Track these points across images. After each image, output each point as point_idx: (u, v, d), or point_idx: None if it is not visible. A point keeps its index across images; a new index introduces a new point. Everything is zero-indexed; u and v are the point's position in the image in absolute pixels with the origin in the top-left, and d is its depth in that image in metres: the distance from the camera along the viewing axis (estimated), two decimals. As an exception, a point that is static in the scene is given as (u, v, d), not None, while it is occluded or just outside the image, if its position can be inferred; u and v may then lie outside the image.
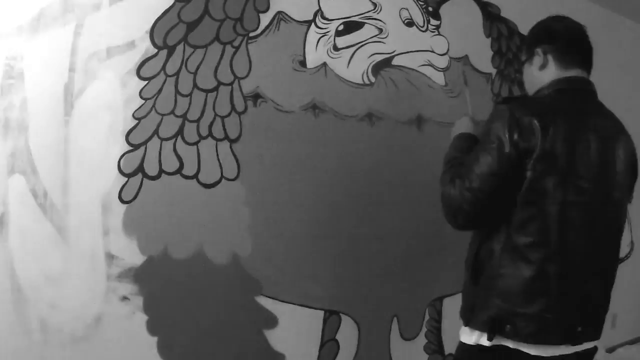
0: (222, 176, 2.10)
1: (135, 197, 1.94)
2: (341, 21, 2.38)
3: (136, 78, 1.93)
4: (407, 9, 2.57)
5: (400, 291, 2.56)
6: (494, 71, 2.92)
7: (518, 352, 1.49)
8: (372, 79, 2.48)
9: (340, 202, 2.39)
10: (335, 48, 2.36)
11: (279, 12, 2.21)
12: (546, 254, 1.45)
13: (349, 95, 2.41)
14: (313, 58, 2.30)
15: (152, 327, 2.00)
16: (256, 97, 2.17)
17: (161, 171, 1.99)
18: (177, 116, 2.01)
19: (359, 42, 2.43)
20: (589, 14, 3.43)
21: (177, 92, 2.00)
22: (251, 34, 2.14)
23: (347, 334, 2.45)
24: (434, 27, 2.67)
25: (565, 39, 1.60)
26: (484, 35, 2.88)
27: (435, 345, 2.74)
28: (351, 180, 2.43)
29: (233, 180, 2.12)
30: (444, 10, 2.70)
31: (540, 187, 1.43)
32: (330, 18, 2.35)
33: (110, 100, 1.90)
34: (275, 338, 2.24)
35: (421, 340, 2.70)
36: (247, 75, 2.14)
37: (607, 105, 3.40)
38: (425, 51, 2.64)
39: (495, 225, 1.52)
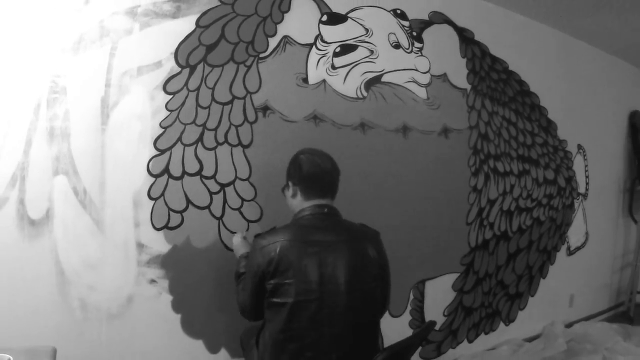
0: (236, 176, 2.10)
1: (162, 195, 1.94)
2: (338, 44, 2.38)
3: (163, 93, 1.93)
4: (394, 34, 2.57)
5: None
6: (468, 87, 2.92)
7: None
8: (365, 94, 2.48)
9: (337, 199, 2.39)
10: (333, 67, 2.36)
11: (285, 36, 2.21)
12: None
13: (344, 107, 2.41)
14: (314, 75, 2.30)
15: (176, 306, 2.00)
16: (265, 109, 2.17)
17: (184, 172, 1.99)
18: (197, 125, 2.01)
19: (353, 62, 2.43)
20: (550, 37, 3.44)
21: (197, 104, 2.00)
22: (261, 55, 2.14)
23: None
24: (418, 49, 2.67)
25: (305, 175, 1.70)
26: (460, 56, 2.88)
27: (418, 321, 2.74)
28: (347, 180, 2.42)
29: (245, 180, 2.12)
30: (426, 34, 2.70)
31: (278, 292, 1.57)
32: (328, 41, 2.35)
33: (141, 112, 1.90)
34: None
35: (406, 317, 2.71)
36: (257, 90, 2.14)
37: (564, 119, 3.40)
38: (410, 70, 2.64)
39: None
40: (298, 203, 1.71)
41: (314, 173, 1.70)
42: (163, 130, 1.94)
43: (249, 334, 1.83)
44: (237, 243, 1.93)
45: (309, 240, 1.60)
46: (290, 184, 1.74)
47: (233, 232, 2.09)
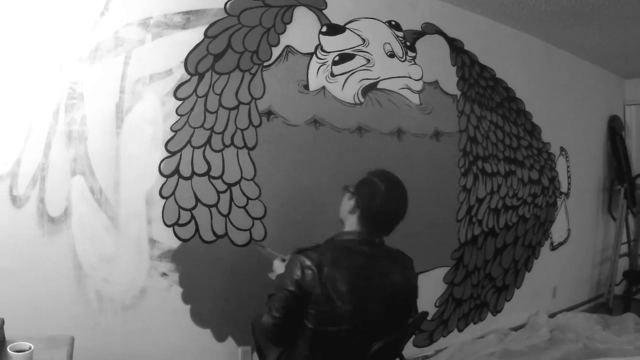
0: (241, 177, 2.10)
1: (172, 194, 1.94)
2: (337, 53, 2.38)
3: (173, 98, 1.93)
4: (389, 44, 2.57)
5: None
6: (459, 93, 2.92)
7: None
8: (362, 99, 2.47)
9: (336, 197, 2.39)
10: (332, 75, 2.36)
11: (287, 46, 2.21)
12: None
13: (343, 112, 2.40)
14: (314, 82, 2.30)
15: (186, 298, 2.00)
16: (269, 113, 2.16)
17: (193, 173, 1.98)
18: (206, 129, 2.00)
19: (351, 70, 2.43)
20: (534, 47, 3.44)
21: (206, 109, 2.00)
22: (265, 63, 2.14)
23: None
24: (411, 57, 2.67)
25: (375, 212, 1.49)
26: (450, 64, 2.88)
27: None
28: (345, 180, 2.42)
29: (251, 180, 2.12)
30: (419, 44, 2.70)
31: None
32: (328, 51, 2.34)
33: (153, 116, 1.90)
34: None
35: (401, 308, 2.70)
36: (262, 96, 2.13)
37: (547, 123, 3.40)
38: (403, 77, 2.64)
39: None
40: (351, 222, 1.52)
41: (385, 212, 1.50)
42: (174, 133, 1.93)
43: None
44: (278, 267, 1.68)
45: (361, 267, 1.43)
46: (354, 201, 1.51)
47: (239, 229, 2.09)
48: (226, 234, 2.06)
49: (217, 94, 2.02)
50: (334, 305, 1.38)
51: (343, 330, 1.40)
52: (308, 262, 1.39)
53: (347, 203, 1.55)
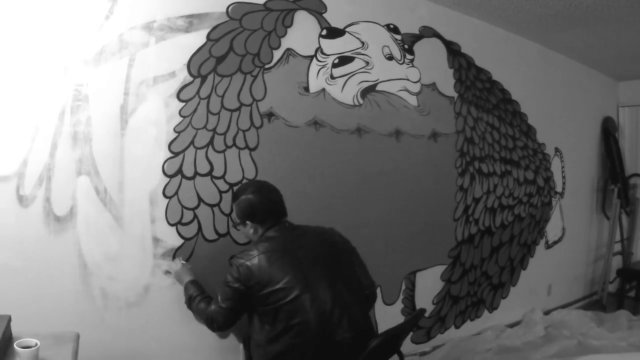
0: (243, 177, 2.10)
1: (175, 193, 1.94)
2: (336, 56, 2.38)
3: (176, 100, 1.93)
4: (388, 47, 2.57)
5: (383, 267, 2.56)
6: (455, 95, 2.92)
7: None
8: (361, 101, 2.47)
9: (335, 197, 2.39)
10: (332, 77, 2.36)
11: (288, 49, 2.21)
12: None
13: (342, 113, 2.40)
14: (314, 85, 2.30)
15: (189, 295, 1.99)
16: (270, 115, 2.16)
17: (196, 173, 1.98)
18: (208, 130, 2.00)
19: (351, 72, 2.43)
20: (530, 50, 3.45)
21: (208, 111, 2.00)
22: (266, 66, 2.14)
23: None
24: (409, 60, 2.67)
25: (260, 213, 1.72)
26: (448, 66, 2.88)
27: (409, 308, 2.74)
28: (344, 180, 2.43)
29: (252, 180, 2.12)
30: (417, 47, 2.70)
31: None
32: (328, 53, 2.34)
33: (156, 118, 1.89)
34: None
35: (399, 305, 2.70)
36: (263, 98, 2.13)
37: (542, 124, 3.42)
38: (402, 79, 2.64)
39: None
40: (260, 232, 1.74)
41: (269, 209, 1.74)
42: (177, 134, 1.93)
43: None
44: (178, 270, 1.88)
45: (282, 247, 1.65)
46: (248, 223, 1.74)
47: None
48: (228, 232, 2.06)
49: (219, 96, 2.02)
50: (274, 281, 1.56)
51: (293, 298, 1.55)
52: (242, 261, 1.62)
53: (247, 230, 1.77)
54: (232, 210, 1.85)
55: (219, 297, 1.68)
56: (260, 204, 1.73)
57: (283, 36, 2.18)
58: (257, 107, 2.12)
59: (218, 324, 1.70)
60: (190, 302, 1.80)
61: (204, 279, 2.01)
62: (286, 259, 1.61)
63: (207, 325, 1.73)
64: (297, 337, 1.55)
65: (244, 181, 2.09)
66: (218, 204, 2.03)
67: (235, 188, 1.86)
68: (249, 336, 1.74)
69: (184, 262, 1.92)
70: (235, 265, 1.63)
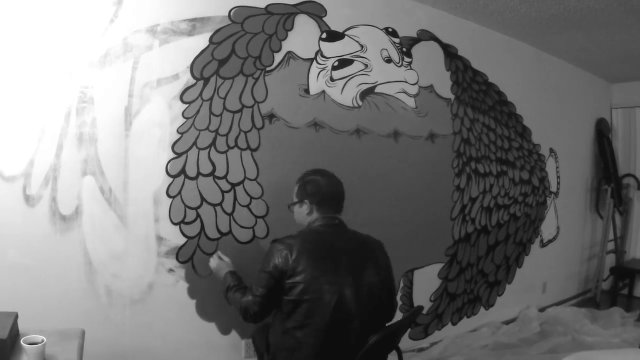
0: (245, 177, 2.10)
1: (179, 193, 1.94)
2: (336, 59, 2.38)
3: (179, 102, 1.93)
4: (386, 49, 2.57)
5: (381, 265, 2.56)
6: (452, 97, 2.92)
7: None
8: (360, 103, 2.48)
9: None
10: (332, 79, 2.36)
11: (289, 52, 2.21)
12: None
13: (342, 115, 2.41)
14: (314, 87, 2.30)
15: (192, 292, 2.00)
16: (271, 116, 2.17)
17: (199, 173, 1.99)
18: (211, 131, 2.01)
19: (350, 75, 2.43)
20: (525, 53, 3.45)
21: (211, 112, 2.00)
22: (267, 69, 2.14)
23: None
24: (407, 63, 2.67)
25: (323, 195, 1.71)
26: (445, 69, 2.88)
27: (408, 306, 2.74)
28: (344, 180, 2.42)
29: (254, 180, 2.12)
30: (414, 50, 2.70)
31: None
32: (327, 56, 2.35)
33: (160, 119, 1.90)
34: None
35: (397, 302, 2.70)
36: (264, 100, 2.14)
37: (537, 125, 3.41)
38: (400, 81, 2.64)
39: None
40: (312, 218, 1.71)
41: (332, 193, 1.72)
42: (180, 135, 1.94)
43: (260, 333, 1.80)
44: (215, 265, 1.88)
45: (323, 244, 1.61)
46: (306, 202, 1.72)
47: (243, 227, 2.10)
48: (230, 231, 2.07)
49: (221, 98, 2.02)
50: (306, 276, 1.53)
51: (317, 297, 1.52)
52: (282, 246, 1.58)
53: (301, 210, 1.75)
54: (292, 195, 1.81)
55: (253, 287, 1.63)
56: (326, 187, 1.72)
57: (284, 39, 2.18)
58: (259, 108, 2.12)
59: (252, 313, 1.63)
60: (227, 292, 1.75)
61: (207, 277, 2.02)
62: (327, 260, 1.57)
63: (241, 315, 1.66)
64: (310, 337, 1.53)
65: (246, 181, 2.09)
66: (220, 204, 2.03)
67: (302, 174, 1.82)
68: (262, 330, 1.73)
69: (222, 255, 1.91)
70: (277, 250, 1.57)
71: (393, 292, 1.75)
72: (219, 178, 2.03)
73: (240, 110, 2.07)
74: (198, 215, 1.98)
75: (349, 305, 1.55)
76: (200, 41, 1.96)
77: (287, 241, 1.59)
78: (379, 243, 1.75)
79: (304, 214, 1.73)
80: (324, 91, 2.33)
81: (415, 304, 2.78)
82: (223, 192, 2.04)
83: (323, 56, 2.33)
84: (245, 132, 2.09)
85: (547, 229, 3.77)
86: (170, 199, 1.92)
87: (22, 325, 1.39)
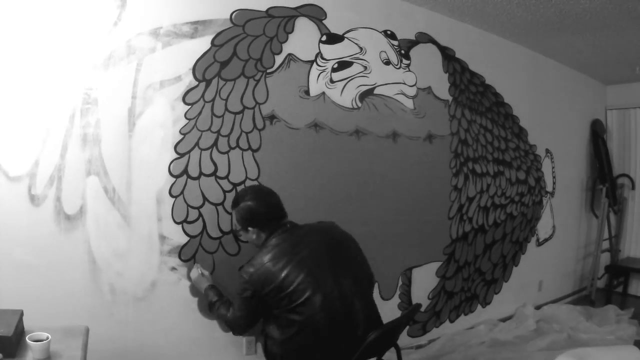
0: (246, 177, 2.10)
1: (181, 193, 1.94)
2: (336, 61, 2.38)
3: (182, 103, 1.93)
4: (385, 52, 2.57)
5: (381, 263, 2.56)
6: (450, 98, 2.92)
7: None
8: (359, 104, 2.48)
9: (335, 196, 2.39)
10: (332, 81, 2.36)
11: (289, 54, 2.21)
12: None
13: (341, 116, 2.41)
14: (315, 88, 2.30)
15: (194, 290, 2.00)
16: (272, 117, 2.17)
17: (201, 173, 1.99)
18: (212, 132, 2.01)
19: (349, 77, 2.43)
20: (521, 55, 3.45)
21: (213, 114, 2.00)
22: (268, 70, 2.14)
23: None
24: (406, 65, 2.67)
25: (260, 217, 1.71)
26: (442, 71, 2.88)
27: (406, 303, 2.74)
28: (343, 180, 2.43)
29: (255, 180, 2.12)
30: (413, 52, 2.70)
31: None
32: (327, 58, 2.35)
33: (163, 120, 1.90)
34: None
35: (395, 300, 2.71)
36: (265, 101, 2.14)
37: (533, 126, 3.41)
38: (398, 83, 2.64)
39: None
40: (263, 237, 1.72)
41: (266, 211, 1.72)
42: (182, 136, 1.94)
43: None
44: (196, 278, 1.90)
45: (288, 250, 1.62)
46: (249, 229, 1.73)
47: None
48: (232, 230, 2.06)
49: (223, 99, 2.02)
50: (285, 285, 1.55)
51: (304, 299, 1.54)
52: (250, 269, 1.60)
53: (250, 236, 1.75)
54: (232, 218, 1.84)
55: (235, 306, 1.69)
56: (259, 208, 1.71)
57: (284, 42, 2.18)
58: (260, 110, 2.12)
59: (239, 330, 1.73)
60: (210, 307, 1.83)
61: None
62: (293, 262, 1.59)
63: (230, 329, 1.75)
64: (311, 337, 1.55)
65: (247, 181, 2.09)
66: (222, 203, 2.03)
67: (233, 197, 1.84)
68: (265, 333, 1.73)
69: (202, 270, 1.93)
70: (246, 275, 1.61)
71: (366, 260, 1.79)
72: (221, 178, 2.03)
73: (241, 112, 2.07)
74: (200, 215, 1.98)
75: (333, 293, 1.57)
76: (202, 44, 1.96)
77: (254, 265, 1.61)
78: (330, 224, 1.79)
79: (253, 238, 1.75)
80: (324, 93, 2.33)
81: (414, 301, 2.78)
82: (225, 191, 2.04)
83: (323, 58, 2.33)
84: (247, 133, 2.09)
85: (543, 228, 3.77)
86: (173, 199, 1.92)
87: (27, 323, 1.39)
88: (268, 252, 1.63)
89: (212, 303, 1.81)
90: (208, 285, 1.86)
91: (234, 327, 1.73)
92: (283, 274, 1.56)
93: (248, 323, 1.68)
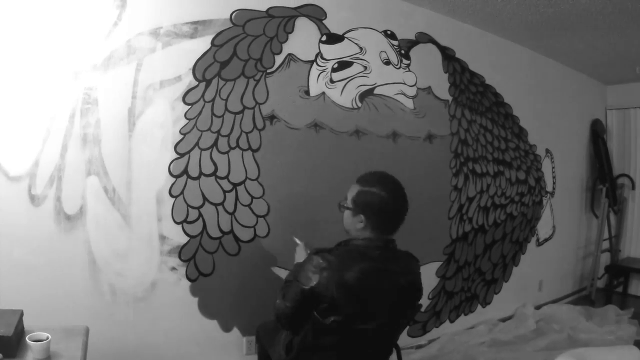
0: (246, 177, 2.10)
1: (181, 193, 1.94)
2: (336, 61, 2.38)
3: (182, 103, 1.93)
4: (385, 52, 2.57)
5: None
6: (450, 98, 2.92)
7: None
8: (359, 104, 2.47)
9: (335, 196, 2.38)
10: (332, 81, 2.36)
11: (289, 54, 2.21)
12: None
13: (341, 116, 2.40)
14: (315, 88, 2.30)
15: (194, 290, 2.00)
16: (272, 117, 2.16)
17: (201, 173, 1.99)
18: (213, 132, 2.01)
19: (349, 77, 2.43)
20: (522, 55, 3.44)
21: (213, 114, 2.00)
22: (268, 70, 2.14)
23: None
24: (406, 65, 2.67)
25: (385, 216, 1.46)
26: (442, 71, 2.88)
27: (406, 304, 2.74)
28: (343, 180, 2.41)
29: (255, 180, 2.12)
30: (413, 52, 2.70)
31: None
32: (327, 58, 2.34)
33: (163, 120, 1.90)
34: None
35: (396, 300, 2.70)
36: (265, 101, 2.14)
37: (534, 126, 3.40)
38: (398, 83, 2.64)
39: None
40: (364, 234, 1.46)
41: (394, 215, 1.48)
42: (182, 136, 1.93)
43: (268, 332, 1.72)
44: (301, 254, 1.69)
45: (367, 270, 1.38)
46: (362, 216, 1.45)
47: (244, 226, 2.09)
48: (232, 230, 2.06)
49: (223, 99, 2.02)
50: (342, 304, 1.35)
51: (351, 327, 1.38)
52: (324, 264, 1.36)
53: (353, 220, 1.48)
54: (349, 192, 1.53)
55: (285, 293, 1.45)
56: (389, 205, 1.45)
57: (284, 42, 2.18)
58: (260, 110, 2.12)
59: (282, 324, 1.49)
60: (284, 284, 1.53)
61: (209, 275, 2.01)
62: (370, 300, 1.38)
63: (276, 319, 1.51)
64: (329, 356, 1.44)
65: (247, 181, 2.09)
66: (222, 203, 2.03)
67: (365, 173, 1.57)
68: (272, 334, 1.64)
69: (299, 242, 1.75)
70: (317, 267, 1.36)
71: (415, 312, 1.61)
72: (221, 178, 2.03)
73: (241, 112, 2.07)
74: (200, 215, 1.98)
75: (373, 337, 1.44)
76: (202, 44, 1.96)
77: (330, 258, 1.37)
78: (416, 266, 1.55)
79: (354, 225, 1.47)
80: (324, 93, 2.33)
81: (414, 301, 2.77)
82: (225, 191, 2.04)
83: (323, 58, 2.32)
84: (247, 133, 2.09)
85: (543, 228, 3.77)
86: (173, 199, 1.92)
87: (27, 323, 1.39)
88: (360, 263, 1.38)
89: (287, 280, 1.51)
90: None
91: (279, 318, 1.47)
92: (356, 297, 1.36)
93: (294, 319, 1.44)
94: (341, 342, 1.42)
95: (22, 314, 1.37)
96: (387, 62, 2.58)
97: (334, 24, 2.35)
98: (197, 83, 1.95)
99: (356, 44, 2.45)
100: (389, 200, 1.46)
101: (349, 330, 1.38)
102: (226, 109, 2.03)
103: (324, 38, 2.32)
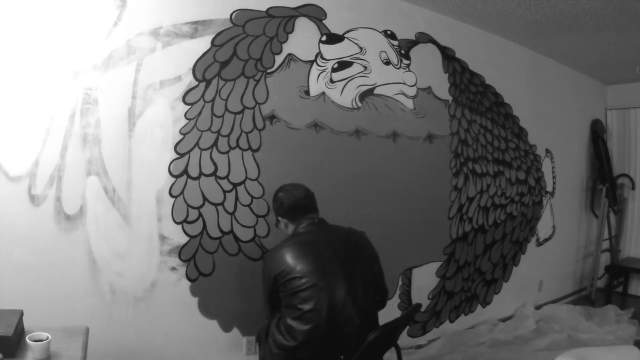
0: (246, 177, 2.10)
1: (181, 193, 1.94)
2: (336, 61, 2.38)
3: (182, 103, 1.93)
4: (385, 52, 2.57)
5: (381, 263, 2.55)
6: (450, 98, 2.92)
7: None
8: (359, 104, 2.47)
9: (335, 196, 2.39)
10: (332, 81, 2.36)
11: (289, 54, 2.21)
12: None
13: (341, 116, 2.40)
14: (315, 88, 2.30)
15: (194, 290, 2.00)
16: (272, 117, 2.16)
17: (201, 173, 1.98)
18: (212, 132, 2.00)
19: (349, 77, 2.43)
20: (521, 55, 3.44)
21: (213, 114, 2.00)
22: (268, 70, 2.14)
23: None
24: (406, 65, 2.67)
25: (288, 208, 1.79)
26: (443, 71, 2.88)
27: (406, 303, 2.74)
28: (343, 180, 2.43)
29: (255, 180, 2.12)
30: (413, 52, 2.70)
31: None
32: (327, 58, 2.34)
33: (163, 120, 1.90)
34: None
35: (395, 300, 2.70)
36: (265, 101, 2.13)
37: (534, 126, 3.40)
38: (398, 83, 2.64)
39: None
40: (291, 228, 1.79)
41: (294, 203, 1.79)
42: (182, 136, 1.93)
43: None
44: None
45: (308, 241, 1.68)
46: (279, 219, 1.82)
47: (244, 226, 2.09)
48: (232, 230, 2.06)
49: (223, 99, 2.02)
50: (294, 270, 1.61)
51: (308, 285, 1.58)
52: (267, 254, 1.71)
53: (281, 227, 1.83)
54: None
55: (264, 302, 1.75)
56: (287, 199, 1.80)
57: (284, 42, 2.18)
58: (260, 110, 2.12)
59: (266, 317, 1.78)
60: (263, 338, 1.82)
61: (209, 277, 2.01)
62: (309, 251, 1.65)
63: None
64: (308, 324, 1.55)
65: (247, 181, 2.09)
66: (222, 203, 2.03)
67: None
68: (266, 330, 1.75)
69: None
70: (266, 259, 1.71)
71: (382, 275, 1.83)
72: (221, 178, 2.03)
73: (241, 112, 2.07)
74: (200, 215, 1.98)
75: (339, 288, 1.60)
76: (202, 44, 1.96)
77: (274, 249, 1.71)
78: (362, 234, 1.83)
79: (283, 228, 1.83)
80: (324, 93, 2.33)
81: (414, 301, 2.78)
82: (225, 191, 2.04)
83: (323, 58, 2.32)
84: (247, 133, 2.09)
85: (543, 228, 3.77)
86: (173, 199, 1.92)
87: (27, 323, 1.38)
88: (290, 240, 1.71)
89: (259, 334, 1.82)
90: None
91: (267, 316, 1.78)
92: (295, 259, 1.62)
93: (270, 306, 1.73)
94: (316, 311, 1.56)
95: (22, 314, 1.37)
96: (387, 62, 2.58)
97: (334, 24, 2.35)
98: (197, 83, 1.95)
99: (356, 44, 2.45)
100: (285, 194, 1.81)
101: (320, 294, 1.56)
102: (226, 109, 2.03)
103: (324, 38, 2.32)
